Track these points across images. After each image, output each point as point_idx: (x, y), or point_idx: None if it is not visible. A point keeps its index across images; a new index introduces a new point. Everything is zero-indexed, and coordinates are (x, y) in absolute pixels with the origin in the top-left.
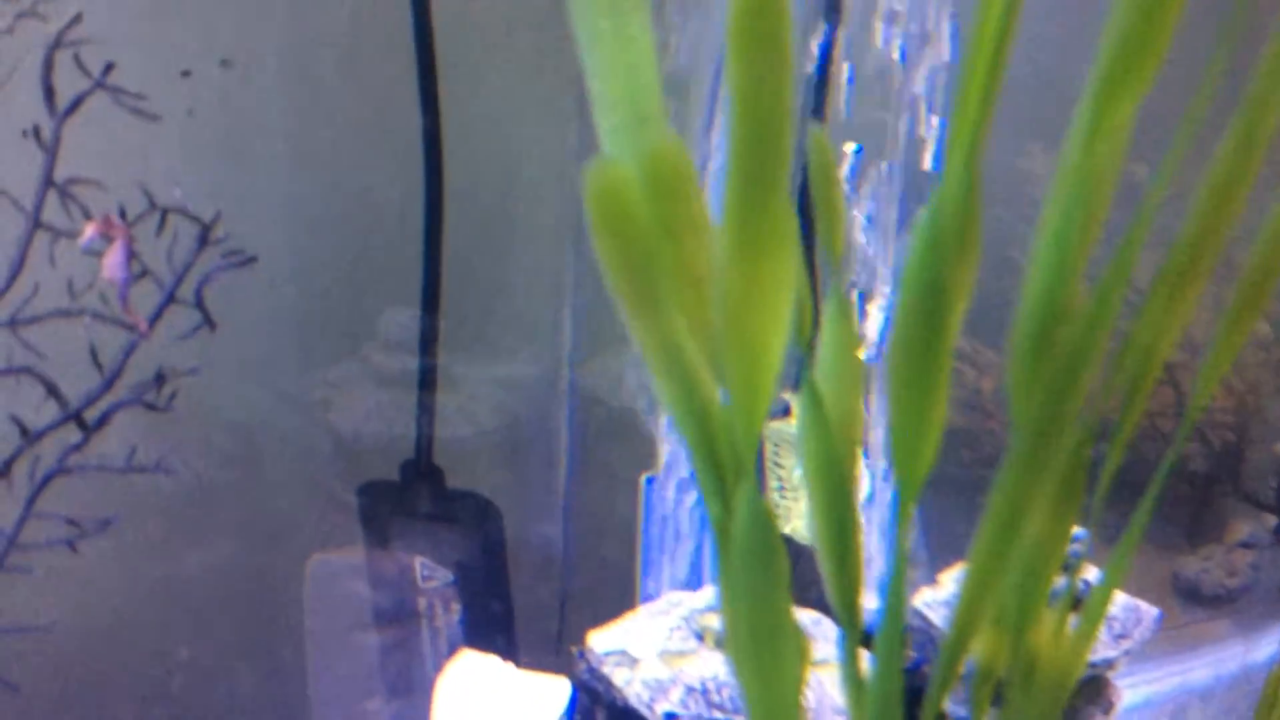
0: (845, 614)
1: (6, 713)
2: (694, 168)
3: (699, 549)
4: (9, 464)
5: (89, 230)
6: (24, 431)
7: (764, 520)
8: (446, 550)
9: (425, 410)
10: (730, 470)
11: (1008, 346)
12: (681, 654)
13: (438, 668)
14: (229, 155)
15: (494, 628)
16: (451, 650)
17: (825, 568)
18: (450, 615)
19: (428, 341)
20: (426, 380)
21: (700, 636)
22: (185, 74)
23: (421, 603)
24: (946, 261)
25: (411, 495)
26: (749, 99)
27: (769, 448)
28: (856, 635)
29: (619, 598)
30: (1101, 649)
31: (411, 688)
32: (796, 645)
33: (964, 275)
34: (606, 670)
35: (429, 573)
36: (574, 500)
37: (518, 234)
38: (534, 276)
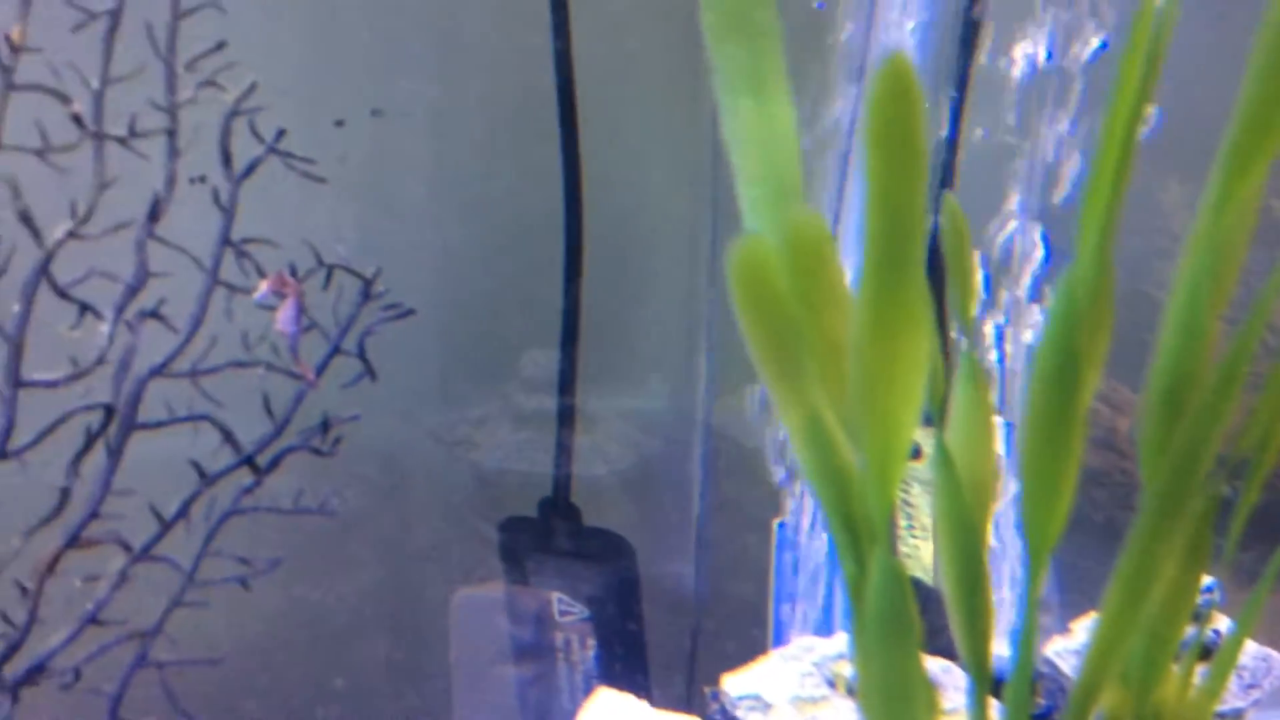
0: (975, 668)
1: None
2: (833, 240)
3: (830, 593)
4: (188, 505)
5: (263, 286)
6: (202, 475)
7: (897, 583)
8: (582, 586)
9: (563, 449)
10: (865, 533)
11: (1141, 403)
12: (814, 700)
13: (573, 701)
14: (379, 204)
15: (627, 663)
16: (587, 684)
17: (955, 622)
18: (586, 650)
19: (566, 382)
20: (564, 419)
21: (832, 684)
22: (339, 124)
23: (559, 637)
24: (1080, 335)
25: (549, 532)
26: (884, 192)
27: (899, 496)
28: (985, 687)
29: (750, 636)
30: (1230, 699)
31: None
32: (927, 699)
33: (1097, 348)
34: (740, 714)
35: (566, 608)
36: (706, 539)
37: (654, 276)
38: (670, 318)
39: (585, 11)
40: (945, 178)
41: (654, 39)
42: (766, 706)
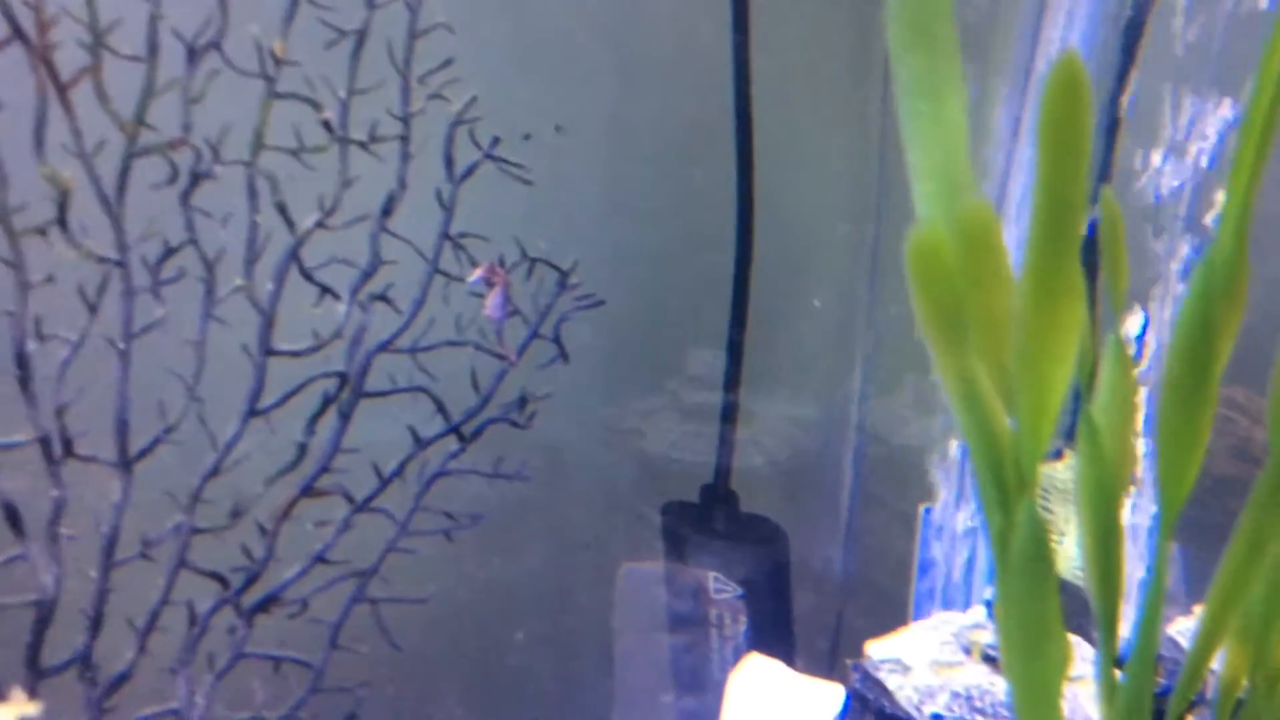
0: (1106, 619)
1: (392, 667)
2: (998, 225)
3: (969, 573)
4: (403, 466)
5: (476, 273)
6: (416, 439)
7: (1040, 530)
8: (737, 567)
9: (724, 441)
10: (1014, 485)
11: (1273, 375)
12: (950, 665)
13: (723, 671)
14: (563, 210)
15: (775, 639)
16: (736, 656)
17: (1090, 579)
18: (737, 625)
19: (730, 379)
20: (726, 414)
21: (968, 650)
22: (526, 137)
23: (713, 612)
24: (1216, 308)
25: (709, 516)
26: (1051, 178)
27: (1038, 493)
28: (1113, 639)
29: (891, 616)
30: None
31: (701, 686)
32: (1061, 645)
33: (1230, 321)
34: (881, 675)
35: (720, 586)
36: (854, 528)
37: (814, 282)
38: (829, 322)
39: (757, 24)
40: (1103, 171)
41: (822, 53)
42: (906, 669)
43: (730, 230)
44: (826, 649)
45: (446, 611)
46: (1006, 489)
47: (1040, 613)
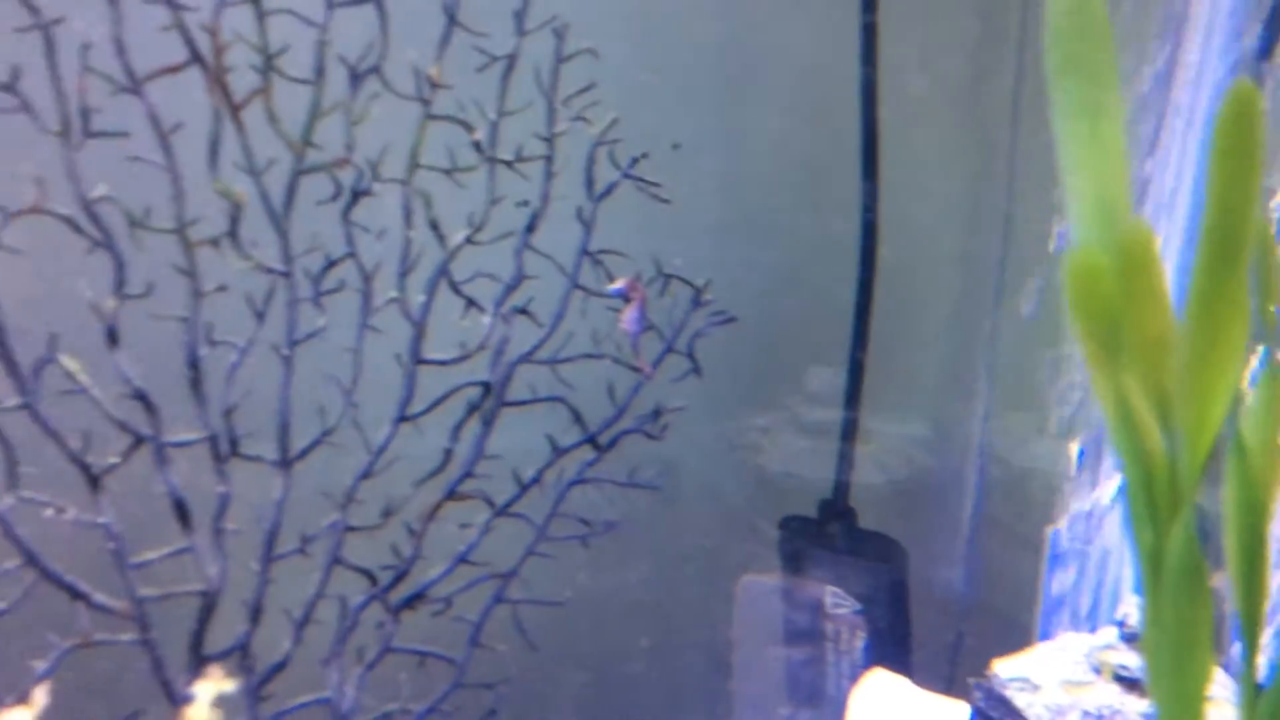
0: (1250, 637)
1: (521, 662)
2: (1156, 245)
3: (1096, 597)
4: (542, 472)
5: (619, 283)
6: (554, 447)
7: (1195, 545)
8: (855, 582)
9: (843, 458)
10: (1166, 503)
11: None
12: (1080, 684)
13: (838, 686)
14: (686, 226)
15: (892, 656)
16: (853, 672)
17: (1236, 598)
18: (854, 641)
19: (850, 396)
20: (846, 431)
21: (1098, 670)
22: (676, 147)
23: (830, 627)
24: None
25: (827, 531)
26: (1222, 199)
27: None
28: (1255, 657)
29: (1009, 640)
30: None
31: (818, 700)
32: (1208, 664)
33: None
34: (1009, 694)
35: (838, 600)
36: (974, 549)
37: (937, 301)
38: (951, 341)
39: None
40: None
41: (946, 65)
42: (1035, 687)
43: (851, 247)
44: (944, 668)
45: (560, 619)
46: (1158, 506)
47: (1192, 630)
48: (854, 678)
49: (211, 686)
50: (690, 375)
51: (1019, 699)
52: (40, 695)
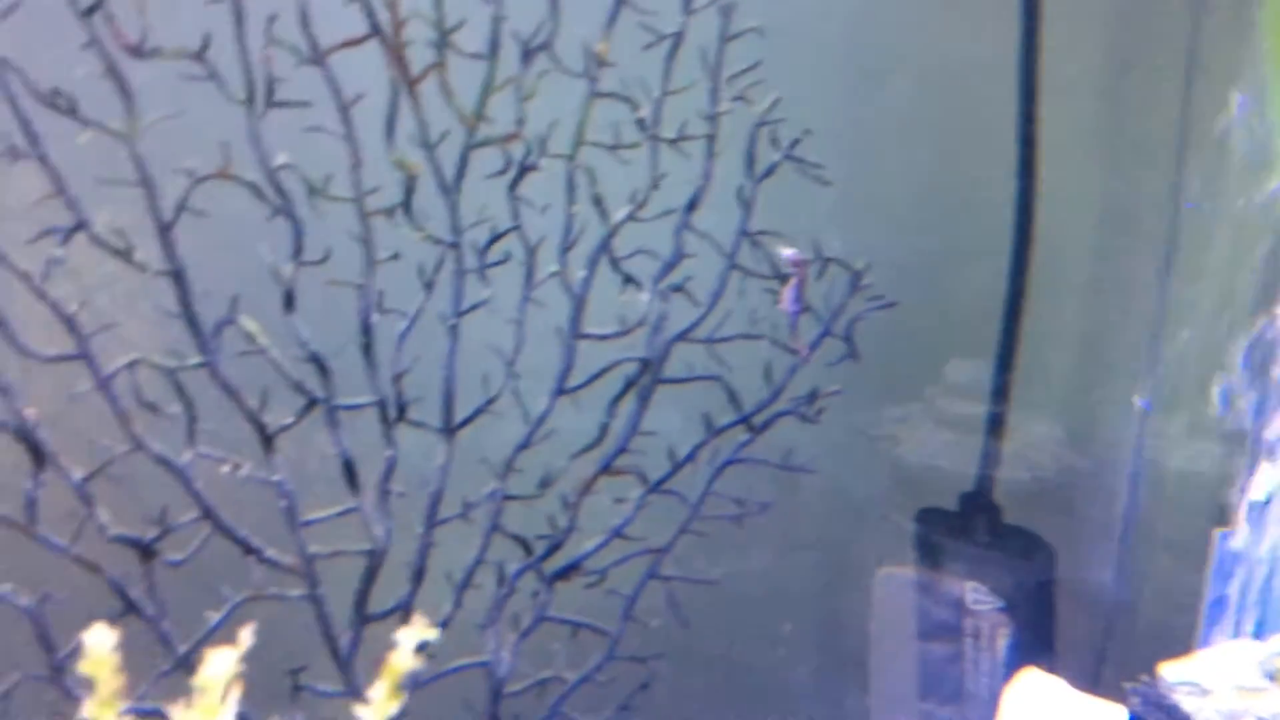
0: None
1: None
2: None
3: (1265, 602)
4: (696, 450)
5: (790, 251)
6: (709, 427)
7: None
8: (998, 578)
9: (988, 451)
10: None
11: None
12: (1253, 690)
13: (978, 684)
14: (832, 210)
15: (1037, 656)
16: (994, 670)
17: None
18: (996, 639)
19: (998, 389)
20: (992, 425)
21: (1271, 676)
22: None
23: (971, 624)
24: None
25: (968, 525)
26: None
27: None
28: None
29: (1163, 645)
30: None
31: (956, 698)
32: None
33: None
34: (1177, 698)
35: (979, 597)
36: (1126, 551)
37: (1099, 296)
38: (1108, 336)
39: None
40: None
41: (1109, 42)
42: (1204, 692)
43: (1001, 238)
44: (1089, 671)
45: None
46: None
47: None
48: (995, 676)
49: (414, 634)
50: (857, 359)
51: (1187, 703)
52: (246, 636)
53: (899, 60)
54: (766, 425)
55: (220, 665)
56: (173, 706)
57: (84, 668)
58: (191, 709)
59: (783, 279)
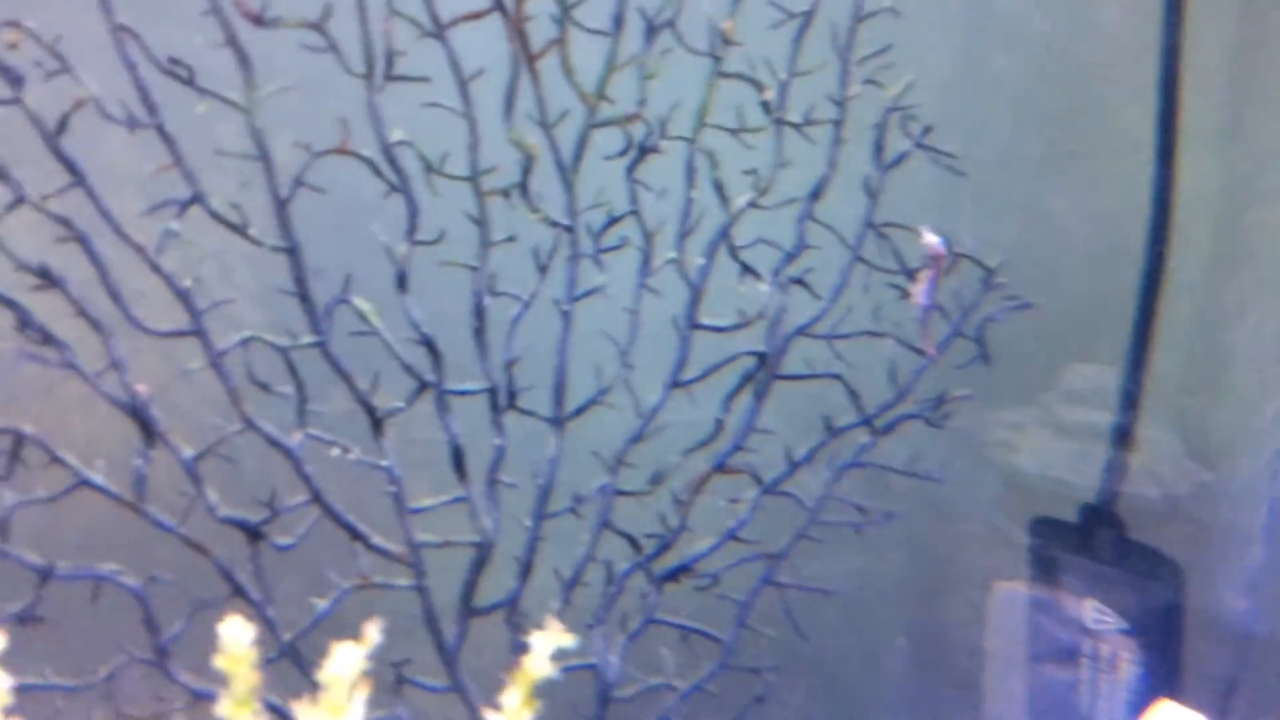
0: None
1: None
2: None
3: None
4: (814, 452)
5: (930, 240)
6: (828, 428)
7: None
8: (1121, 598)
9: (1112, 464)
10: None
11: None
12: None
13: (1094, 708)
14: (953, 207)
15: (1162, 681)
16: (1116, 694)
17: None
18: (1118, 661)
19: (1127, 399)
20: (1118, 435)
21: None
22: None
23: (1091, 644)
24: None
25: (1089, 539)
26: None
27: None
28: None
29: None
30: None
31: None
32: None
33: None
34: None
35: (1100, 616)
36: (1264, 577)
37: (1239, 305)
38: (1251, 346)
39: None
40: None
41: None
42: None
43: (1126, 233)
44: (1219, 703)
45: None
46: None
47: None
48: (1115, 700)
49: (549, 638)
50: (988, 362)
51: None
52: (373, 631)
53: (1018, 41)
54: (890, 428)
55: (346, 661)
56: (298, 703)
57: (220, 663)
58: (317, 706)
59: (914, 273)
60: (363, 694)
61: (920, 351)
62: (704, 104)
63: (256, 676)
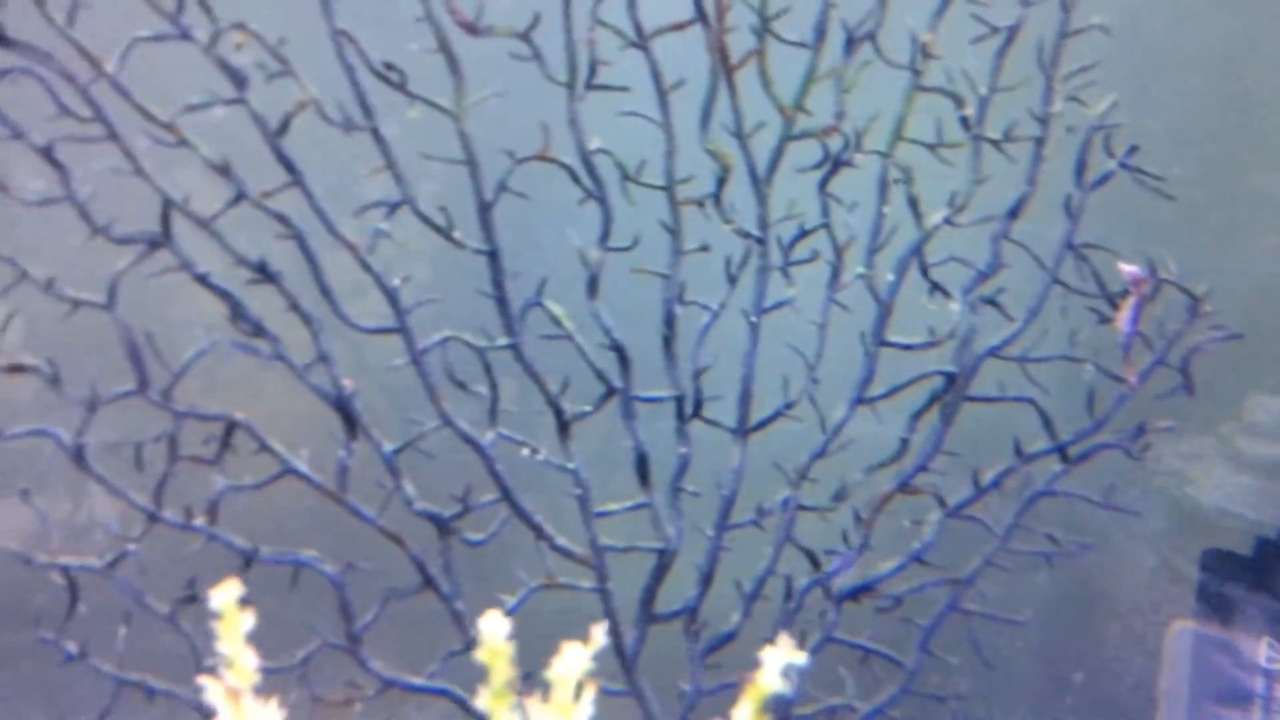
0: None
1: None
2: None
3: None
4: (1002, 477)
5: (1131, 269)
6: (1018, 453)
7: None
8: None
9: None
10: None
11: None
12: None
13: None
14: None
15: None
16: None
17: None
18: None
19: None
20: None
21: None
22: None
23: (1263, 684)
24: None
25: (1266, 575)
26: None
27: None
28: None
29: None
30: None
31: None
32: None
33: None
34: None
35: (1276, 655)
36: None
37: None
38: None
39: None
40: None
41: None
42: None
43: None
44: None
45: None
46: None
47: None
48: None
49: (781, 655)
50: (1191, 393)
51: None
52: (599, 632)
53: (1215, 63)
54: (1085, 457)
55: (573, 662)
56: (529, 700)
57: (480, 656)
58: (547, 704)
59: (1116, 298)
60: (591, 692)
61: (1120, 379)
62: (902, 118)
63: (514, 670)
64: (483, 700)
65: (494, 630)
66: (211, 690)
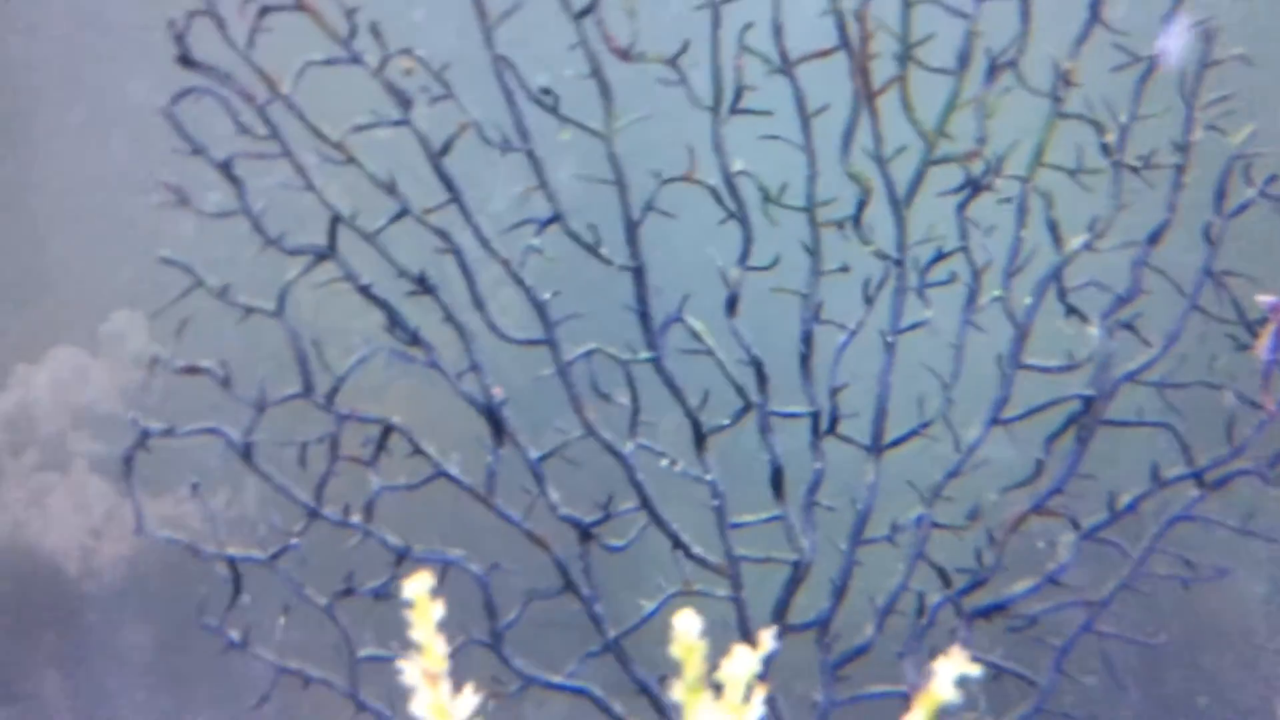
0: None
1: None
2: None
3: None
4: (1138, 501)
5: (1270, 298)
6: (1155, 478)
7: None
8: None
9: None
10: None
11: None
12: None
13: None
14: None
15: None
16: None
17: None
18: None
19: None
20: None
21: None
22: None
23: None
24: None
25: None
26: None
27: None
28: None
29: None
30: None
31: None
32: None
33: None
34: None
35: None
36: None
37: None
38: None
39: None
40: None
41: None
42: None
43: None
44: None
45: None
46: None
47: None
48: None
49: (954, 665)
50: None
51: None
52: (768, 639)
53: None
54: (1223, 483)
55: (743, 663)
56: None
57: (674, 650)
58: (717, 704)
59: (1257, 325)
60: (761, 694)
61: (1259, 406)
62: (1042, 144)
63: (706, 666)
64: (676, 693)
65: (687, 627)
66: (409, 673)
